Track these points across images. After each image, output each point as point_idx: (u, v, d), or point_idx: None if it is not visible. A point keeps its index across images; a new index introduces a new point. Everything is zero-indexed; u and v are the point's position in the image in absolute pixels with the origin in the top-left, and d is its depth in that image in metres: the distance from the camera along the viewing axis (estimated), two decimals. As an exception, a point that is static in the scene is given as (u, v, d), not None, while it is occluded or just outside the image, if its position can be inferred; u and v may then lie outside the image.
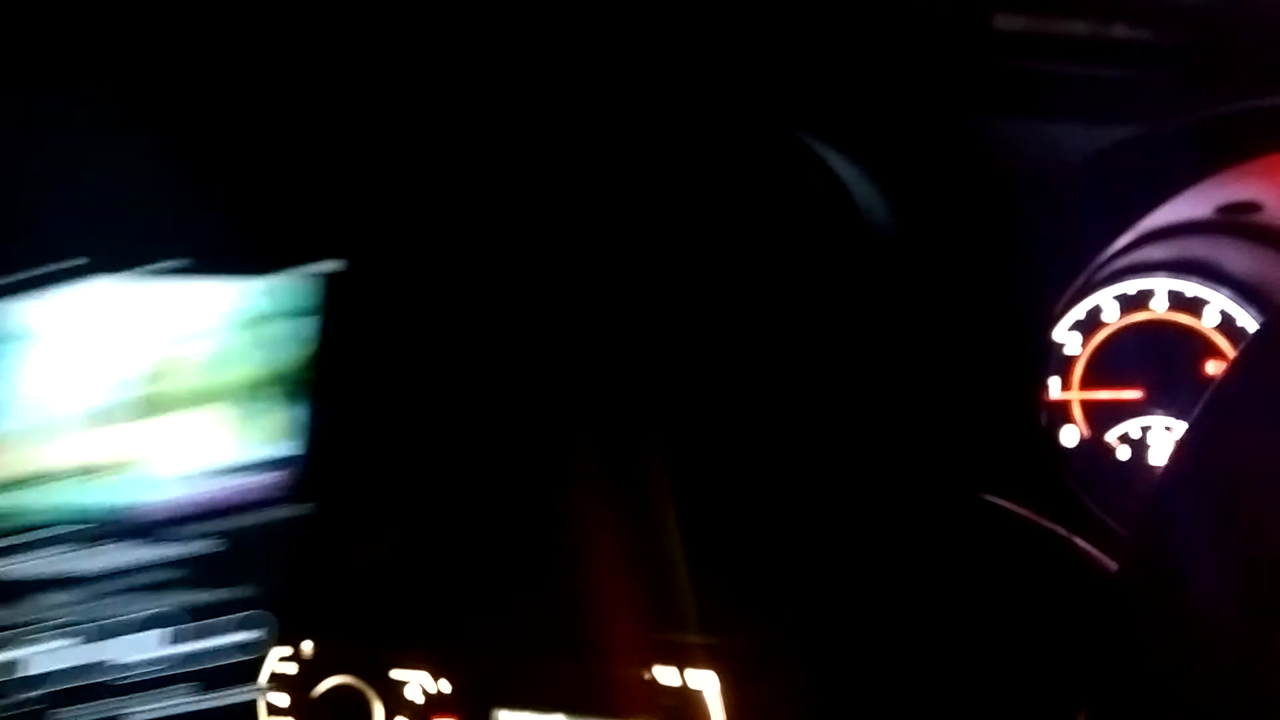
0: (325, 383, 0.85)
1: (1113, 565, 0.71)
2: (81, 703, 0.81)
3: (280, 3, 0.88)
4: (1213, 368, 0.89)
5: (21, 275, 0.86)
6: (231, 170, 0.90)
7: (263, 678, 0.80)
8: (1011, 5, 1.27)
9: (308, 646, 0.80)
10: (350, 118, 0.92)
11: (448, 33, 0.93)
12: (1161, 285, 0.90)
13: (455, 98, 0.91)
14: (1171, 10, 1.29)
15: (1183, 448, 0.44)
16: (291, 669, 0.80)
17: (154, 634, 0.81)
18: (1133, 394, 0.90)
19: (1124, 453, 0.90)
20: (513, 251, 0.89)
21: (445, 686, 0.78)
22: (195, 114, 0.90)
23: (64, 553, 0.82)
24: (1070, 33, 1.19)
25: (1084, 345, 0.90)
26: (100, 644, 0.81)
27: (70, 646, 0.82)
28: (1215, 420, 0.44)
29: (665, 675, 0.75)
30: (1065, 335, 0.90)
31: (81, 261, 0.86)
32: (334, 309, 0.86)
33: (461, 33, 0.93)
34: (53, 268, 0.86)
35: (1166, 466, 0.44)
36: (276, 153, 0.91)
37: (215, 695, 0.80)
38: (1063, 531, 0.71)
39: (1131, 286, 0.89)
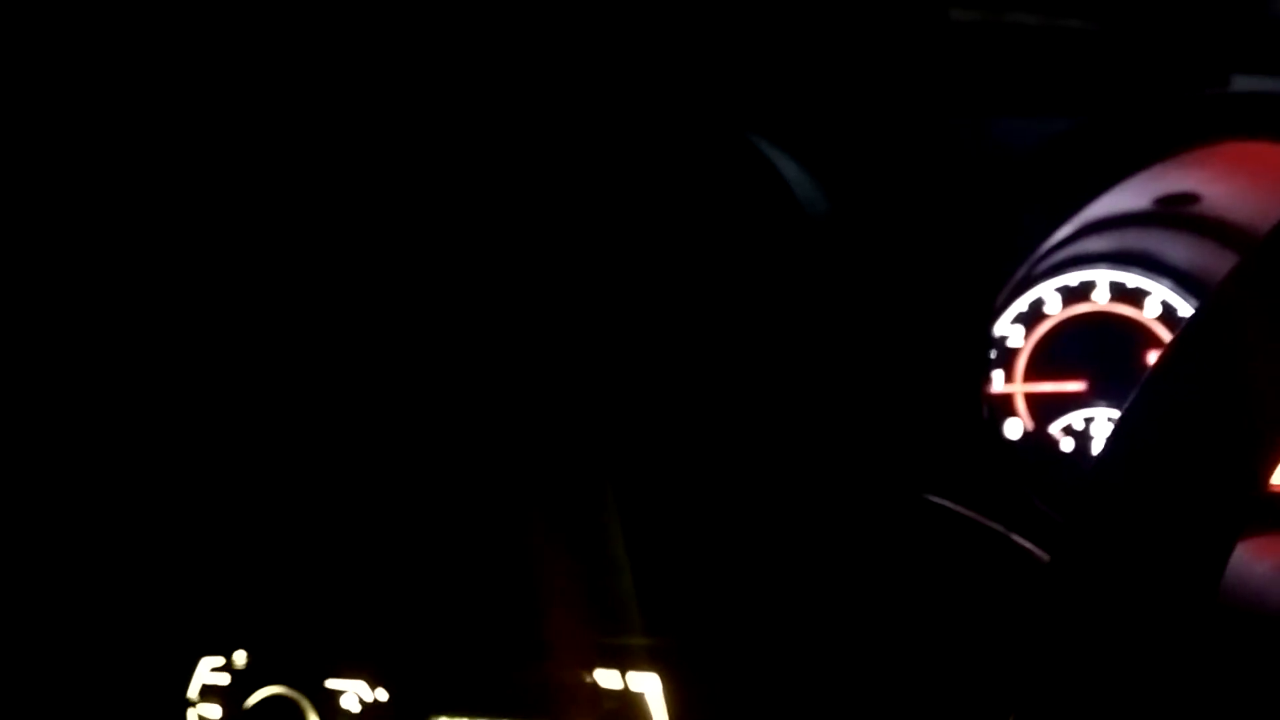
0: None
1: (1037, 552, 0.70)
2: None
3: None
4: (1154, 358, 0.89)
5: None
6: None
7: (193, 689, 0.78)
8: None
9: (240, 656, 0.78)
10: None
11: (389, 34, 0.91)
12: (1103, 277, 0.89)
13: (398, 99, 0.90)
14: (1118, 1, 1.30)
15: (1115, 436, 0.43)
16: (223, 679, 0.78)
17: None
18: (1076, 386, 0.90)
19: (1067, 445, 0.90)
20: (450, 245, 0.88)
21: (382, 695, 0.76)
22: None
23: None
24: (1023, 24, 1.20)
25: (1026, 338, 0.90)
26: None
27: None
28: (1148, 406, 0.44)
29: (607, 678, 0.74)
30: (1008, 328, 0.89)
31: None
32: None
33: (406, 33, 0.91)
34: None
35: (1099, 455, 0.44)
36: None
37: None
38: (1000, 528, 0.71)
39: (1073, 278, 0.89)
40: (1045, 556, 0.70)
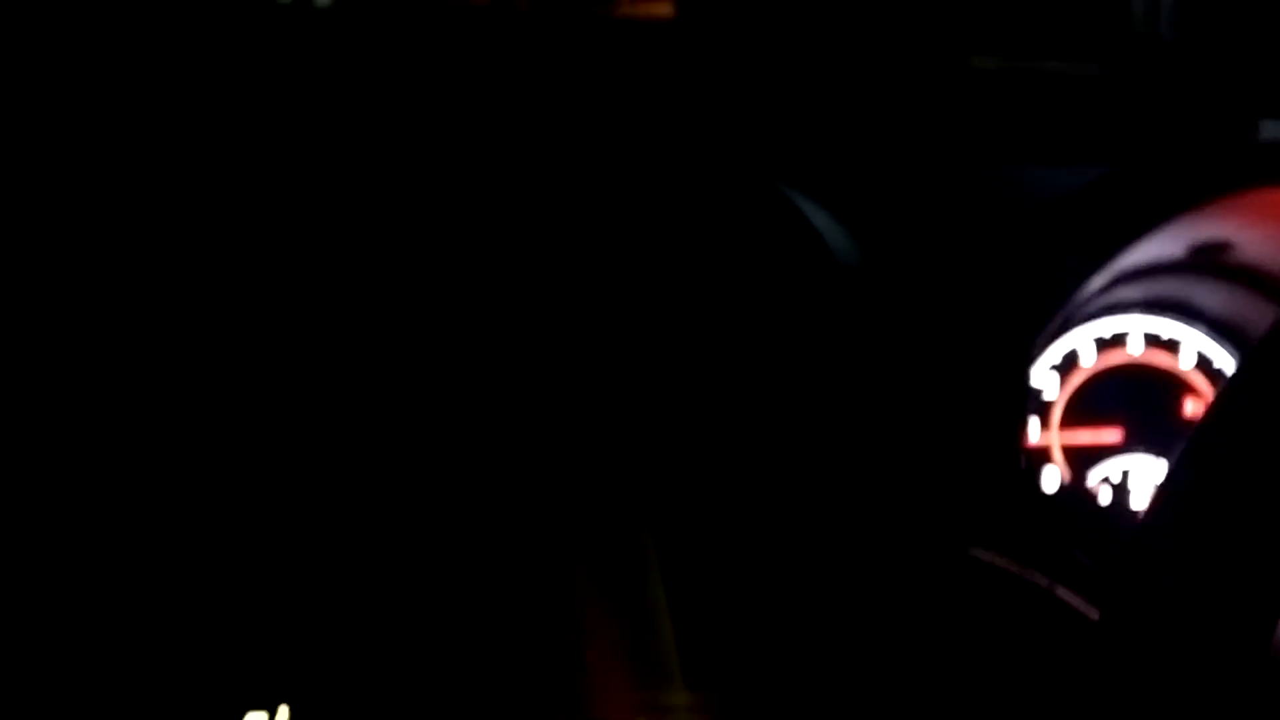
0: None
1: (1086, 609, 0.70)
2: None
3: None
4: (1191, 408, 0.89)
5: None
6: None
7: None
8: (987, 46, 1.29)
9: (283, 713, 0.78)
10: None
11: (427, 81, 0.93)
12: (1137, 325, 0.89)
13: (440, 144, 0.91)
14: (1143, 47, 1.31)
15: (1162, 493, 0.43)
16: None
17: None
18: (1112, 436, 0.90)
19: (1105, 496, 0.89)
20: (486, 294, 0.89)
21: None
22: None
23: None
24: (1043, 72, 1.21)
25: (1062, 388, 0.89)
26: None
27: None
28: (1195, 464, 0.44)
29: (648, 734, 0.74)
30: (1043, 378, 0.89)
31: None
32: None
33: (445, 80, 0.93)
34: None
35: (1146, 512, 0.43)
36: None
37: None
38: (1044, 581, 0.70)
39: (1107, 328, 0.89)
40: (1089, 611, 0.70)
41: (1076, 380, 0.89)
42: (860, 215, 0.89)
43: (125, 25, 0.84)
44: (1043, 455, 0.90)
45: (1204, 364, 0.89)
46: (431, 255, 0.88)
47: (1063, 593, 0.70)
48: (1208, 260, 0.87)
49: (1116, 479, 0.89)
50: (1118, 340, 0.89)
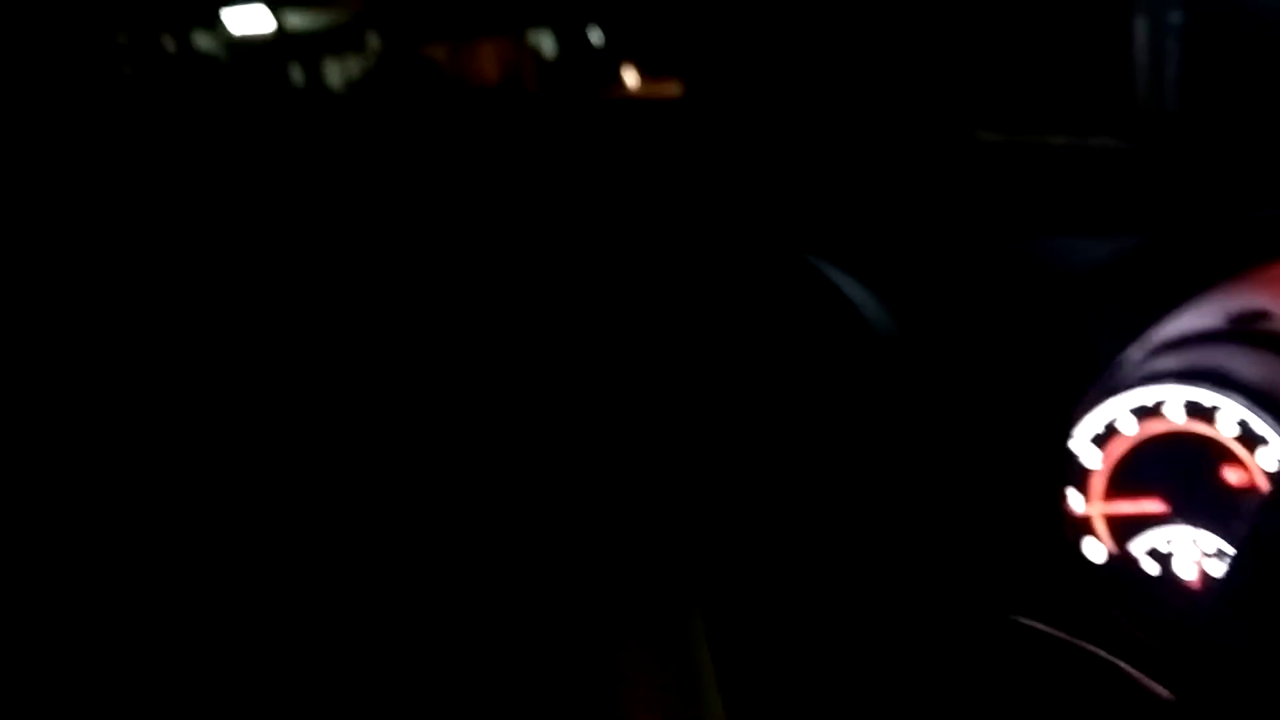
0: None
1: (1155, 687, 0.69)
2: None
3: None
4: (1234, 477, 0.88)
5: None
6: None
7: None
8: (992, 120, 1.30)
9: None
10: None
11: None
12: (1176, 394, 0.89)
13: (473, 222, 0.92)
14: (1152, 119, 1.32)
15: (1232, 572, 0.43)
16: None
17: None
18: (1156, 506, 0.89)
19: (1152, 567, 0.89)
20: (526, 363, 0.89)
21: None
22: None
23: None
24: (1051, 144, 1.22)
25: (1103, 458, 0.89)
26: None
27: None
28: (1262, 542, 0.43)
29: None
30: (1083, 448, 0.89)
31: None
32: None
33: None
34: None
35: (1217, 590, 0.43)
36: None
37: None
38: (1105, 654, 0.69)
39: (1146, 396, 0.89)
40: (1147, 683, 0.69)
41: (1117, 450, 0.89)
42: (890, 285, 0.90)
43: (153, 108, 0.86)
44: (1086, 525, 0.90)
45: (1245, 432, 0.88)
46: (477, 332, 0.88)
47: (1127, 668, 0.69)
48: (1245, 329, 0.87)
49: (1162, 549, 0.88)
50: (1157, 409, 0.89)
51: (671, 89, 1.74)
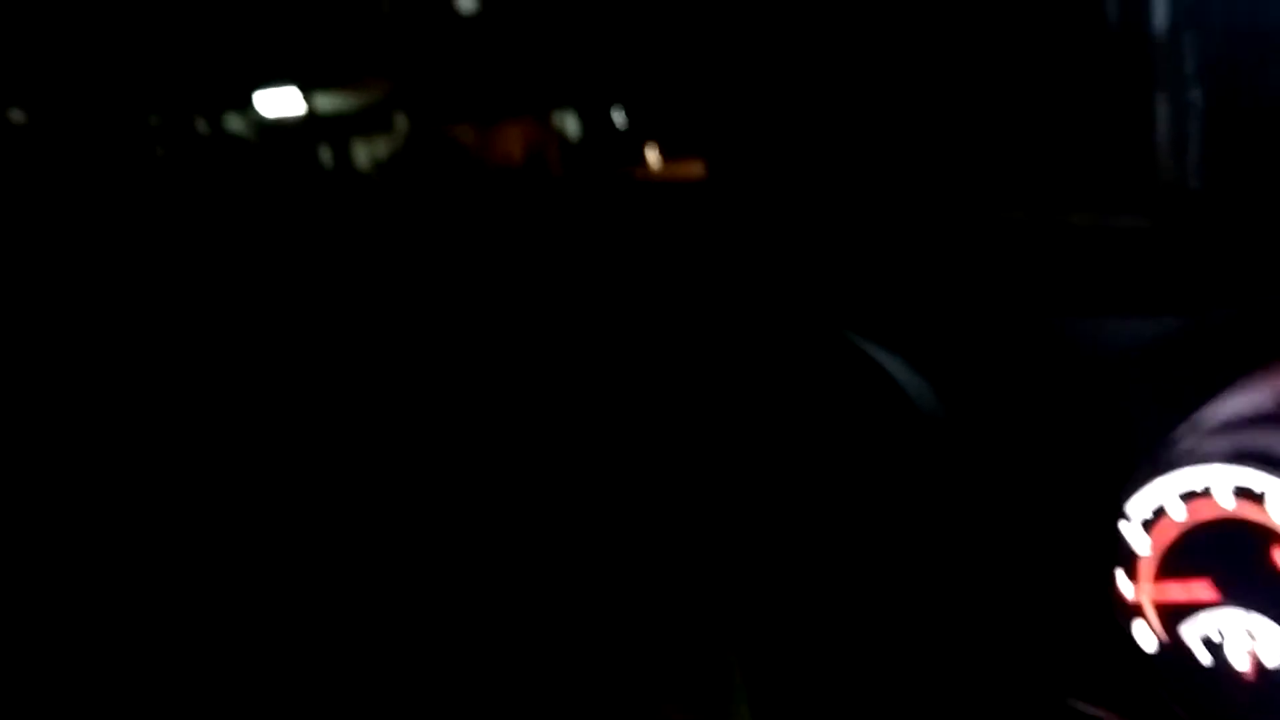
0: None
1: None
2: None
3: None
4: (1287, 562, 0.86)
5: None
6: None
7: None
8: (1017, 199, 1.31)
9: None
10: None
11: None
12: (1224, 477, 0.88)
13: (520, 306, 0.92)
14: (1176, 198, 1.33)
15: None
16: None
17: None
18: (1207, 592, 0.87)
19: (1204, 655, 0.87)
20: (576, 440, 0.89)
21: None
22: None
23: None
24: (1076, 224, 1.22)
25: (1151, 542, 0.88)
26: None
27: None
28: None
29: None
30: (1131, 532, 0.87)
31: None
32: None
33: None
34: None
35: (1271, 679, 0.42)
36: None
37: None
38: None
39: (1194, 479, 0.87)
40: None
41: (1166, 534, 0.88)
42: (936, 365, 0.89)
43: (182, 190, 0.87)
44: (1136, 611, 0.88)
45: (1296, 516, 0.87)
46: (515, 419, 0.88)
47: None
48: (1294, 411, 0.86)
49: (1214, 637, 0.86)
50: (1205, 493, 0.87)
51: (695, 169, 1.76)
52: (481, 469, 0.91)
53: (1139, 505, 0.87)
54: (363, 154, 1.99)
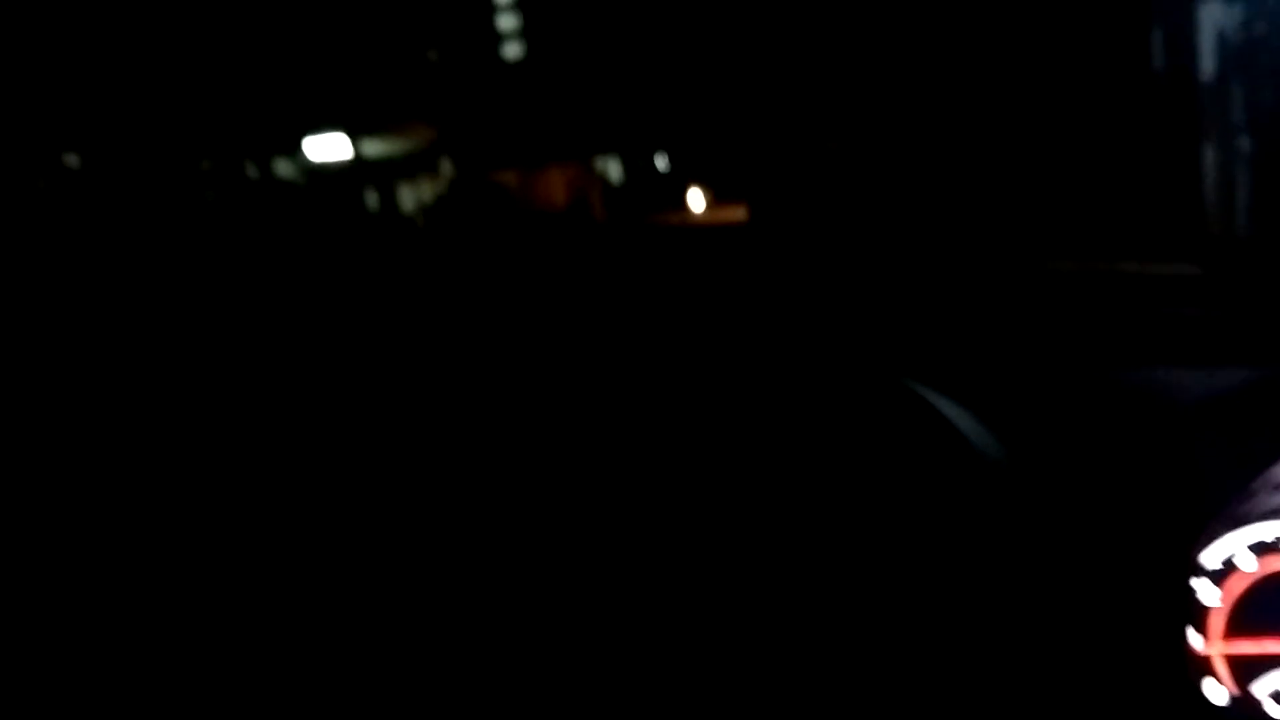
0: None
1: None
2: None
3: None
4: (1360, 616, 0.85)
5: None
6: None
7: None
8: (1062, 250, 1.31)
9: None
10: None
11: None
12: (1296, 530, 0.87)
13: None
14: (1224, 245, 1.32)
15: None
16: None
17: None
18: (1278, 646, 0.86)
19: (1275, 709, 0.85)
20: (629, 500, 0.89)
21: None
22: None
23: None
24: (1120, 271, 1.22)
25: (1221, 595, 0.87)
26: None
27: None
28: None
29: None
30: (1202, 586, 0.87)
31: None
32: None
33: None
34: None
35: None
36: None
37: None
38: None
39: (1265, 532, 0.87)
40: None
41: (1237, 587, 0.87)
42: (998, 414, 0.89)
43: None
44: (1206, 665, 0.87)
45: (1370, 569, 0.86)
46: (567, 461, 0.88)
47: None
48: (1366, 462, 0.85)
49: (1288, 693, 0.85)
50: (1276, 545, 0.87)
51: (737, 213, 1.77)
52: (524, 525, 0.91)
53: (1210, 558, 0.86)
54: (408, 198, 2.02)
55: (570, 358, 1.03)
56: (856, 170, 1.40)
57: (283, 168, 1.81)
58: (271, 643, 0.82)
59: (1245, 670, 0.86)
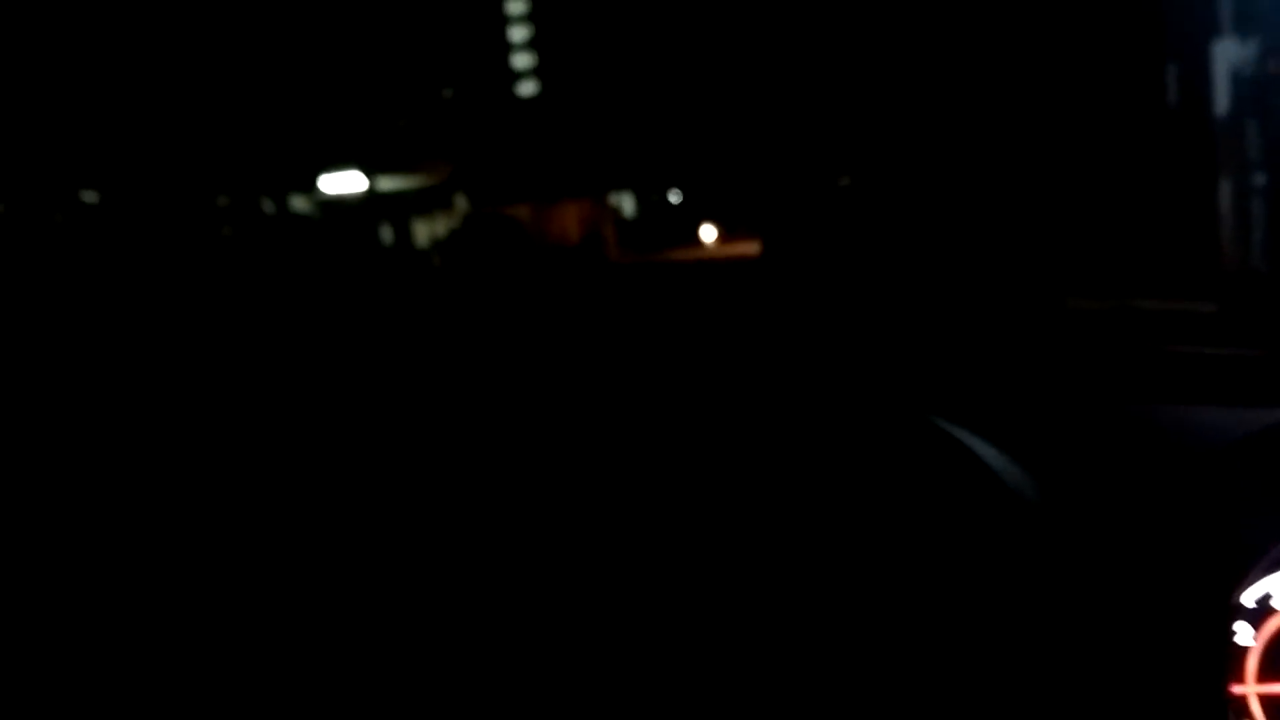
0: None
1: None
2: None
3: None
4: (1396, 655, 0.84)
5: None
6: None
7: None
8: (1083, 289, 1.31)
9: None
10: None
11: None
12: (1331, 570, 0.86)
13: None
14: (1241, 282, 1.32)
15: None
16: None
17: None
18: (1314, 687, 0.85)
19: (1312, 753, 0.85)
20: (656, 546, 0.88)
21: None
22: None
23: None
24: (1145, 309, 1.22)
25: (1256, 635, 0.86)
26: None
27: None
28: None
29: None
30: (1237, 625, 0.86)
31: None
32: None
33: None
34: None
35: None
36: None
37: None
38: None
39: (1299, 571, 0.86)
40: None
41: (1271, 627, 0.86)
42: (1030, 452, 0.89)
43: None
44: (1241, 705, 0.86)
45: (1405, 609, 0.85)
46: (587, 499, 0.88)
47: None
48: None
49: (1325, 735, 0.84)
50: (1312, 584, 0.86)
51: (749, 248, 1.77)
52: (533, 558, 0.90)
53: (1245, 599, 0.86)
54: (423, 232, 2.04)
55: (585, 390, 1.03)
56: (870, 206, 1.41)
57: (298, 202, 1.83)
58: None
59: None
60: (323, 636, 0.81)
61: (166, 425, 0.99)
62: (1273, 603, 0.85)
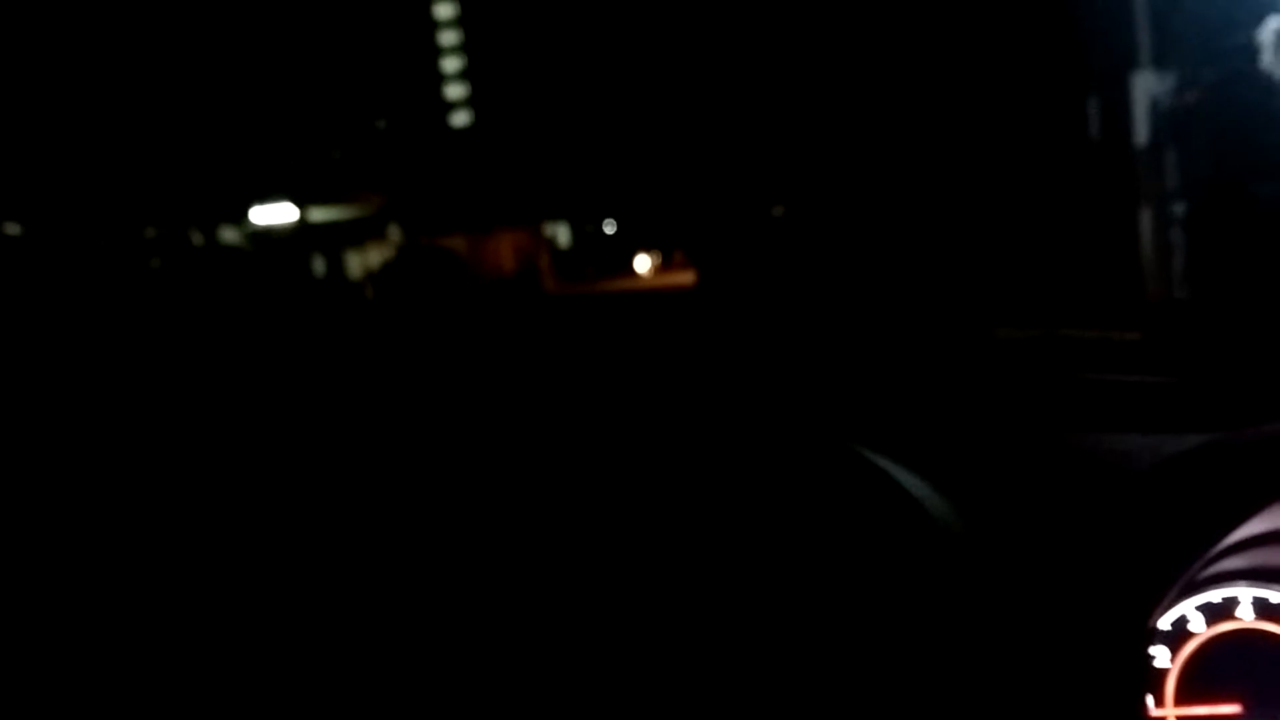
0: None
1: None
2: None
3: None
4: (1309, 677, 0.86)
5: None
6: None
7: None
8: (1011, 319, 1.32)
9: None
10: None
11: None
12: (1245, 593, 0.88)
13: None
14: (1175, 314, 1.34)
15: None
16: None
17: None
18: (1230, 708, 0.86)
19: (1230, 774, 0.86)
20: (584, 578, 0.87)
21: None
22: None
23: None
24: (1063, 338, 1.24)
25: (1173, 658, 0.87)
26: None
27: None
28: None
29: None
30: (1154, 649, 0.87)
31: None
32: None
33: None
34: None
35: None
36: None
37: None
38: None
39: (1215, 595, 0.88)
40: None
41: (1187, 650, 0.87)
42: (951, 480, 0.89)
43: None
44: (1161, 731, 0.87)
45: (1317, 630, 0.87)
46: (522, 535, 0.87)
47: None
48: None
49: (1242, 756, 0.85)
50: (1227, 606, 0.88)
51: (684, 278, 1.78)
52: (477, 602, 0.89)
53: (1163, 622, 0.87)
54: (355, 263, 2.02)
55: (517, 422, 1.02)
56: (802, 237, 1.42)
57: (228, 234, 1.80)
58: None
59: (1198, 734, 0.86)
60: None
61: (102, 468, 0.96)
62: (1189, 626, 0.87)
